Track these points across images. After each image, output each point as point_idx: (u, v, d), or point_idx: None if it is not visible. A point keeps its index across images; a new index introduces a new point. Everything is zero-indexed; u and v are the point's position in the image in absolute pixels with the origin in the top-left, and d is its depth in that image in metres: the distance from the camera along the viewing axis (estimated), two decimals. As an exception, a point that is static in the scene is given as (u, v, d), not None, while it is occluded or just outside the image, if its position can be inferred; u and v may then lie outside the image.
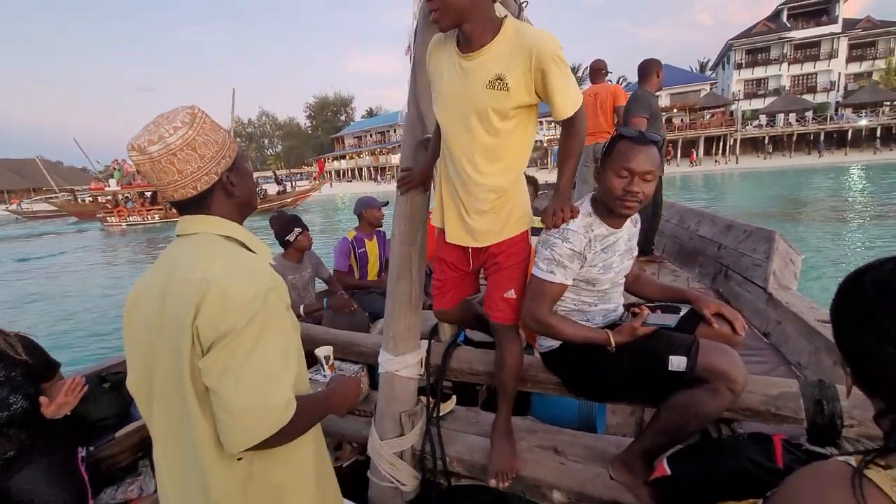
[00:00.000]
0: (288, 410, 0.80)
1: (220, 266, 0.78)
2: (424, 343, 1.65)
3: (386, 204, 3.02)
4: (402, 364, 1.56)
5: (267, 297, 0.80)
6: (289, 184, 31.18)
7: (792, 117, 34.36)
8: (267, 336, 0.79)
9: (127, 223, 21.58)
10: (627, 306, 1.45)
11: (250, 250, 0.90)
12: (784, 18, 37.85)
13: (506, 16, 1.26)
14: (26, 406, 1.45)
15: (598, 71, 4.34)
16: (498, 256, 1.43)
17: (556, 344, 1.41)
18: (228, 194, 0.88)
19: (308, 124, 68.83)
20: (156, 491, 1.90)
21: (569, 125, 1.27)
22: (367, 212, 3.00)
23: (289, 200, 24.34)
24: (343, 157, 57.68)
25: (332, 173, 55.50)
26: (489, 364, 1.58)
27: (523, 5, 1.72)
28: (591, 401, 1.67)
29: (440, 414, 1.62)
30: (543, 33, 1.18)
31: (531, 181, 3.34)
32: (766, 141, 34.83)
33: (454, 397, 1.75)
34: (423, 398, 1.63)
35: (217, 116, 0.90)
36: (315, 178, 43.05)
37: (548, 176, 13.22)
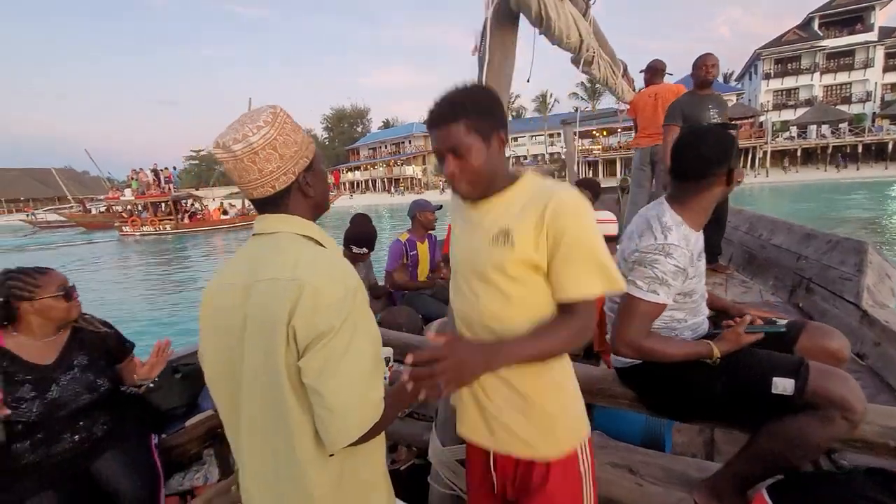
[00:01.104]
0: (381, 405, 0.83)
1: (308, 266, 0.80)
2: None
3: (440, 207, 3.09)
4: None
5: (356, 296, 0.82)
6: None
7: (825, 129, 33.76)
8: (360, 334, 0.81)
9: (141, 233, 22.26)
10: (714, 319, 1.41)
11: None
12: (816, 27, 37.54)
13: (527, 173, 1.04)
14: (110, 388, 1.58)
15: (660, 71, 4.27)
16: (533, 486, 0.97)
17: (635, 359, 1.36)
18: (304, 195, 0.90)
19: (325, 136, 70.48)
20: (219, 480, 1.97)
21: (567, 313, 0.92)
22: (420, 214, 3.09)
23: None
24: (357, 168, 58.63)
25: (346, 184, 56.38)
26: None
27: (591, 2, 1.74)
28: (663, 418, 1.62)
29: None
30: (567, 190, 0.93)
31: (588, 185, 3.23)
32: (798, 153, 34.23)
33: None
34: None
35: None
36: (331, 189, 43.63)
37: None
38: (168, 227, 22.44)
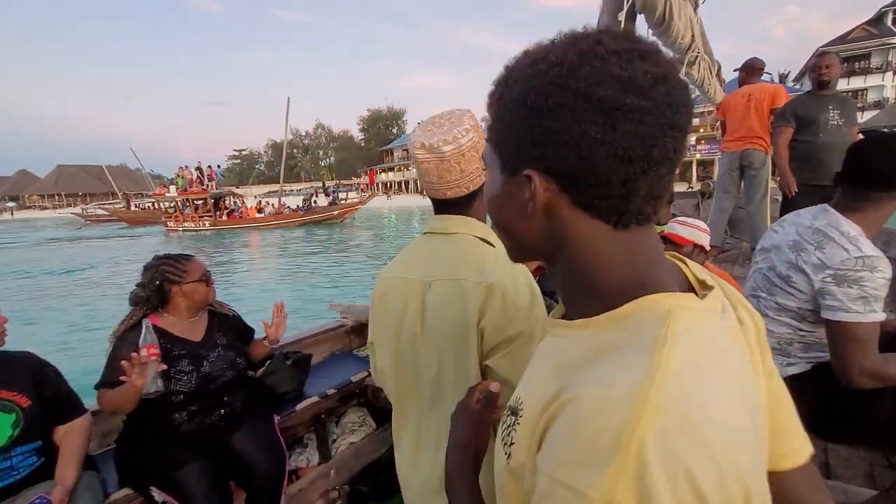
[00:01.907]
0: None
1: (494, 270, 0.84)
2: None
3: None
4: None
5: (541, 302, 0.85)
6: (343, 195, 32.50)
7: (899, 133, 31.54)
8: None
9: (183, 229, 23.46)
10: None
11: None
12: (889, 22, 35.20)
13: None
14: (245, 366, 1.77)
15: (757, 70, 4.05)
16: None
17: (804, 367, 1.30)
18: (472, 204, 0.94)
19: (361, 137, 72.18)
20: (320, 463, 2.10)
21: None
22: None
23: (335, 213, 25.06)
24: (391, 169, 59.47)
25: (380, 185, 57.30)
26: None
27: (700, 1, 1.73)
28: (825, 440, 1.49)
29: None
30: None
31: None
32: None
33: None
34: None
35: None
36: (363, 190, 44.59)
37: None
38: (207, 223, 23.47)
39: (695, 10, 1.80)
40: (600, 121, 0.37)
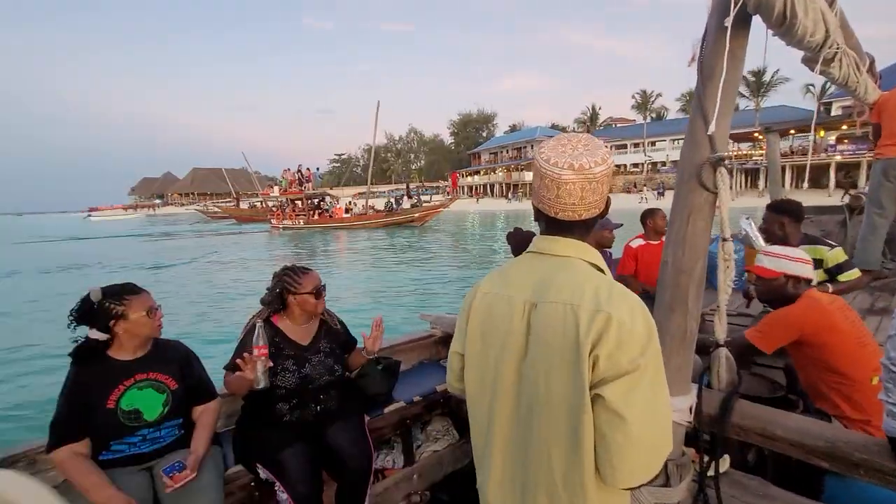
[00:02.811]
0: (664, 458, 0.85)
1: (610, 298, 0.83)
2: (694, 386, 1.55)
3: (620, 226, 3.02)
4: (672, 407, 1.48)
5: (656, 336, 0.84)
6: (427, 197, 33.70)
7: None
8: (660, 374, 0.84)
9: (283, 226, 26.06)
10: None
11: None
12: None
13: None
14: (342, 373, 2.01)
15: None
16: None
17: None
18: (594, 226, 0.97)
19: (451, 140, 74.23)
20: (404, 466, 2.27)
21: None
22: (597, 232, 3.04)
23: (416, 216, 25.70)
24: (476, 172, 60.11)
25: (465, 189, 58.21)
26: (801, 433, 1.39)
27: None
28: None
29: (715, 473, 1.49)
30: None
31: (787, 210, 2.77)
32: None
33: (728, 457, 1.60)
34: (688, 449, 1.52)
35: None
36: (449, 193, 45.68)
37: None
38: (301, 221, 25.86)
39: (832, 1, 1.61)
40: None
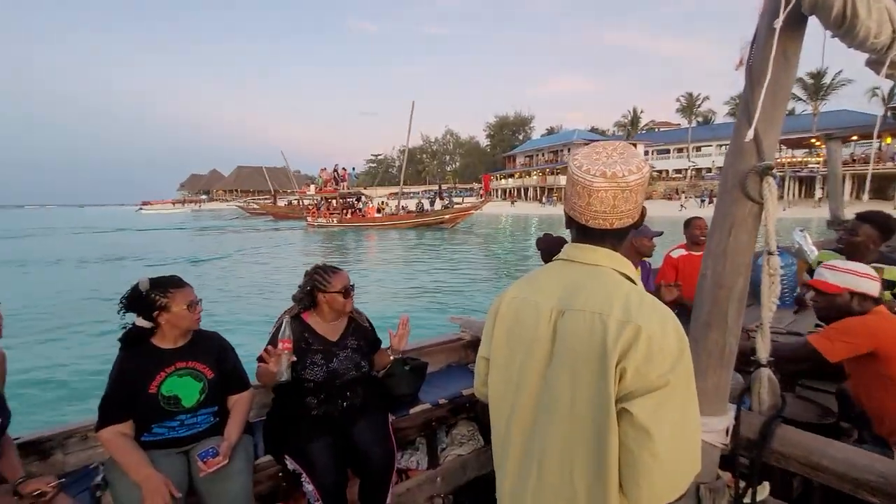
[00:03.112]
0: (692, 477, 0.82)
1: (640, 310, 0.81)
2: (732, 407, 1.49)
3: (660, 234, 2.94)
4: (707, 428, 1.42)
5: (688, 352, 0.82)
6: (459, 199, 33.81)
7: None
8: (691, 391, 0.82)
9: (318, 224, 26.81)
10: None
11: None
12: None
13: None
14: (367, 370, 2.06)
15: None
16: None
17: None
18: (626, 235, 0.94)
19: (487, 143, 74.19)
20: (428, 468, 2.27)
21: None
22: (636, 240, 2.97)
23: (446, 217, 25.73)
24: (511, 175, 59.68)
25: (498, 192, 57.89)
26: (848, 465, 1.31)
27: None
28: None
29: (752, 501, 1.42)
30: None
31: (877, 222, 2.56)
32: None
33: (767, 484, 1.52)
34: (723, 473, 1.46)
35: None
36: (481, 195, 45.70)
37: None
38: (334, 220, 26.55)
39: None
40: None
